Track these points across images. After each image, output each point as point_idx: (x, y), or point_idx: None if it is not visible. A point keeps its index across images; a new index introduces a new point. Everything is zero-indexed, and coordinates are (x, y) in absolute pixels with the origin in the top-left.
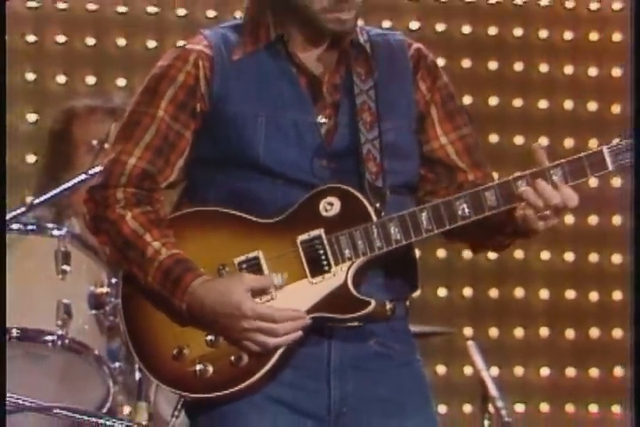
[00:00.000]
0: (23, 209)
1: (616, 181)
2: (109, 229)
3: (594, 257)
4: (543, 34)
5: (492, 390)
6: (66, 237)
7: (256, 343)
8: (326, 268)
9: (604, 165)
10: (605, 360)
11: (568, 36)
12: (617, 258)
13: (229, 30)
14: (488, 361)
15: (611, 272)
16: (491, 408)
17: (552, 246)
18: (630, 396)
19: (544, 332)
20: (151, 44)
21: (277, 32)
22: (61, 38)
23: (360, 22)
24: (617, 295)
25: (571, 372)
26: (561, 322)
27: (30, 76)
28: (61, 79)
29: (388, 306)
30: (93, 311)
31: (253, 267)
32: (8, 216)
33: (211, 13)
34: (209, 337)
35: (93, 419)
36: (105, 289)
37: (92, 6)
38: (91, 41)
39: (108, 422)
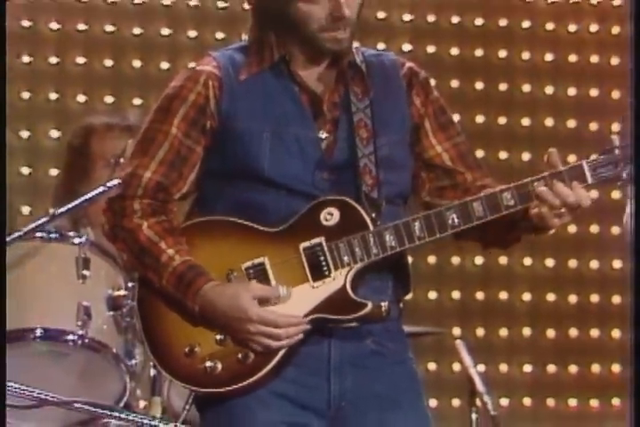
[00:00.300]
0: (47, 219)
1: (593, 193)
2: (127, 237)
3: (573, 263)
4: (525, 55)
5: (479, 385)
6: (85, 245)
7: (260, 345)
8: (326, 273)
9: (583, 178)
10: (583, 358)
11: (549, 57)
12: (594, 264)
13: (236, 52)
14: (475, 359)
15: (589, 277)
16: (478, 402)
17: (534, 253)
18: (630, 397)
19: (526, 332)
20: (164, 65)
21: (280, 53)
22: (81, 60)
23: (356, 44)
24: (594, 298)
25: (551, 368)
26: (542, 323)
27: (53, 96)
28: (81, 98)
29: (384, 308)
30: (111, 313)
31: (259, 272)
32: (33, 225)
33: (219, 35)
34: (218, 336)
35: (111, 413)
36: (122, 292)
37: (109, 28)
38: (108, 62)
39: (124, 416)
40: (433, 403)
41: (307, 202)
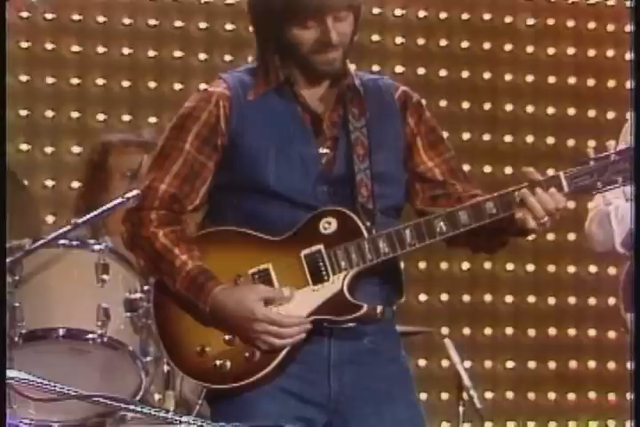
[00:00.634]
0: (69, 228)
1: (571, 204)
2: (144, 245)
3: (551, 268)
4: (508, 77)
5: (466, 380)
6: (104, 251)
7: (265, 344)
8: (325, 277)
9: (560, 187)
10: (561, 355)
11: (529, 79)
12: (571, 269)
13: (244, 74)
14: (462, 356)
15: (566, 281)
16: (465, 396)
17: (515, 259)
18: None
19: (509, 331)
20: (177, 86)
21: (284, 75)
22: (101, 81)
23: (353, 66)
24: (571, 300)
25: (532, 365)
26: (523, 323)
27: (74, 115)
28: (101, 117)
29: (379, 310)
30: (128, 314)
31: (264, 277)
32: (56, 234)
33: (227, 57)
34: (227, 337)
35: (127, 406)
36: (138, 295)
37: (126, 51)
38: (126, 83)
39: (140, 409)
40: (423, 396)
41: (307, 212)
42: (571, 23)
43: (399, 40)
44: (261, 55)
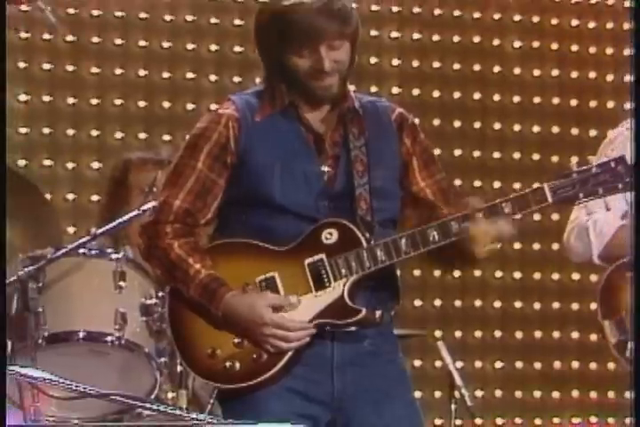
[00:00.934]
0: (88, 238)
1: (555, 216)
2: (161, 255)
3: (537, 275)
4: (497, 97)
5: (457, 379)
6: (122, 260)
7: (272, 346)
8: (327, 284)
9: (545, 198)
10: (546, 356)
11: (516, 99)
12: (555, 276)
13: (252, 96)
14: (453, 357)
15: (550, 287)
16: (456, 394)
17: (504, 267)
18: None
19: (497, 334)
20: (190, 106)
21: (289, 99)
22: (118, 101)
23: (352, 87)
24: (555, 305)
25: (519, 365)
26: (510, 326)
27: (94, 133)
28: (119, 135)
29: (377, 314)
30: (144, 318)
31: (270, 284)
32: (76, 243)
33: (236, 79)
34: (236, 340)
35: (143, 404)
36: (153, 301)
37: (142, 73)
38: (142, 103)
39: (155, 407)
40: (418, 395)
41: (310, 224)
42: (555, 46)
43: (395, 62)
44: (267, 80)
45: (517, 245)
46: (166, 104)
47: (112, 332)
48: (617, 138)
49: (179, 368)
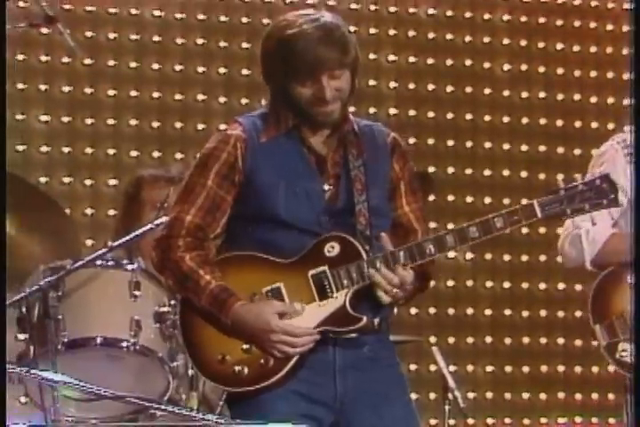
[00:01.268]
0: (105, 250)
1: (542, 229)
2: (173, 267)
3: (525, 285)
4: (487, 118)
5: (451, 382)
6: (136, 271)
7: (279, 351)
8: (330, 293)
9: (534, 214)
10: (534, 360)
11: (505, 119)
12: (542, 286)
13: (257, 118)
14: (447, 361)
15: (538, 296)
16: (450, 396)
17: (494, 277)
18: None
19: (488, 340)
20: (200, 126)
21: (292, 122)
22: (133, 121)
23: (352, 109)
24: (543, 313)
25: (508, 369)
26: (500, 332)
27: (110, 151)
28: (134, 153)
29: (376, 322)
30: (157, 325)
31: (276, 294)
32: (94, 255)
33: (244, 101)
34: (244, 346)
35: (157, 405)
36: (166, 309)
37: (156, 95)
38: (155, 124)
39: (167, 408)
40: (414, 396)
41: (313, 238)
42: (542, 69)
43: (392, 84)
44: (272, 104)
45: (507, 257)
46: (178, 124)
47: (127, 338)
48: (607, 151)
49: (190, 372)
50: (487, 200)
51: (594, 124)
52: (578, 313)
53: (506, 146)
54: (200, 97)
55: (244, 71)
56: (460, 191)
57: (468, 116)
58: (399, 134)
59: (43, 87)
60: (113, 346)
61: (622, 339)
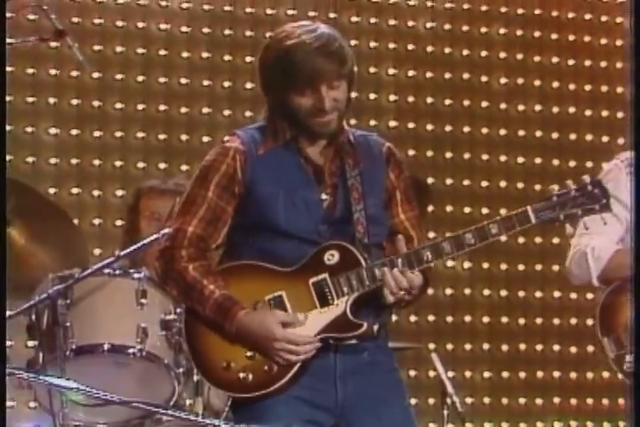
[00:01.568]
0: (112, 259)
1: (538, 239)
2: (177, 278)
3: (521, 293)
4: (484, 130)
5: (449, 388)
6: (143, 279)
7: (282, 359)
8: (331, 301)
9: (528, 220)
10: (530, 366)
11: (502, 132)
12: (538, 294)
13: (255, 131)
14: (446, 367)
15: (534, 304)
16: (448, 401)
17: (491, 286)
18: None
19: (485, 346)
20: (205, 138)
21: (291, 134)
22: (140, 134)
23: (353, 121)
24: (538, 320)
25: (505, 374)
26: (497, 339)
27: (118, 163)
28: (141, 165)
29: (375, 328)
30: (163, 332)
31: (278, 302)
32: (101, 264)
33: (248, 113)
34: (249, 353)
35: (163, 410)
36: (172, 316)
37: (162, 108)
38: (162, 136)
39: (173, 413)
40: (413, 401)
41: (313, 247)
42: (537, 83)
43: (392, 98)
44: (270, 116)
45: (504, 266)
46: (184, 137)
47: (134, 345)
48: (612, 170)
49: (195, 378)
50: (484, 211)
51: (588, 137)
52: (573, 320)
53: (502, 158)
54: (205, 110)
55: (248, 85)
56: (458, 202)
57: (466, 129)
58: (398, 147)
59: (52, 100)
60: (120, 353)
61: (629, 351)
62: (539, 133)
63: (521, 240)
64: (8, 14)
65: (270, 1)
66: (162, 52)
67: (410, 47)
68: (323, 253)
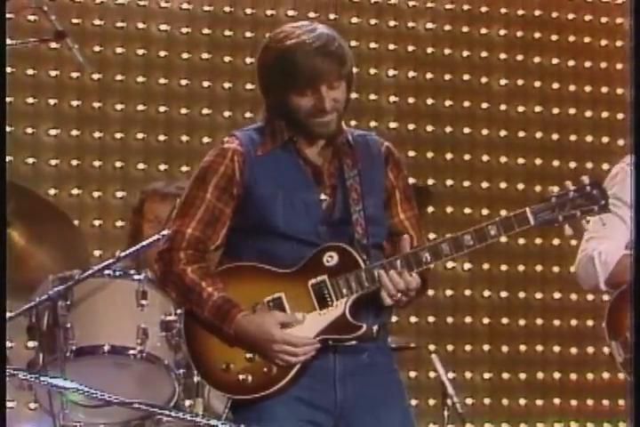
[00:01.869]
0: (112, 260)
1: (538, 240)
2: (176, 280)
3: (522, 294)
4: (485, 132)
5: (450, 389)
6: (143, 281)
7: (282, 361)
8: (330, 302)
9: (527, 221)
10: (530, 367)
11: (502, 133)
12: (539, 295)
13: (254, 132)
14: (446, 368)
15: (534, 305)
16: (449, 402)
17: (491, 287)
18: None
19: (486, 347)
20: (206, 139)
21: (289, 135)
22: (140, 135)
23: (353, 122)
24: (539, 321)
25: (505, 376)
26: (498, 340)
27: (118, 164)
28: (141, 166)
29: (374, 329)
30: (164, 333)
31: (278, 304)
32: (102, 265)
33: (248, 115)
34: (248, 355)
35: (163, 411)
36: (172, 317)
37: (162, 109)
38: (162, 137)
39: (173, 414)
40: (414, 402)
41: (312, 249)
42: (537, 84)
43: (392, 99)
44: (268, 116)
45: (504, 267)
46: (184, 138)
47: (134, 346)
48: (618, 174)
49: (195, 379)
50: (485, 212)
51: (588, 138)
52: (573, 322)
53: (503, 159)
54: (205, 111)
55: (249, 86)
56: (459, 203)
57: (466, 130)
58: (398, 148)
59: (52, 101)
60: (120, 354)
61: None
62: (539, 135)
63: (521, 241)
64: (8, 15)
65: (270, 2)
66: (162, 53)
67: (410, 48)
68: (322, 254)
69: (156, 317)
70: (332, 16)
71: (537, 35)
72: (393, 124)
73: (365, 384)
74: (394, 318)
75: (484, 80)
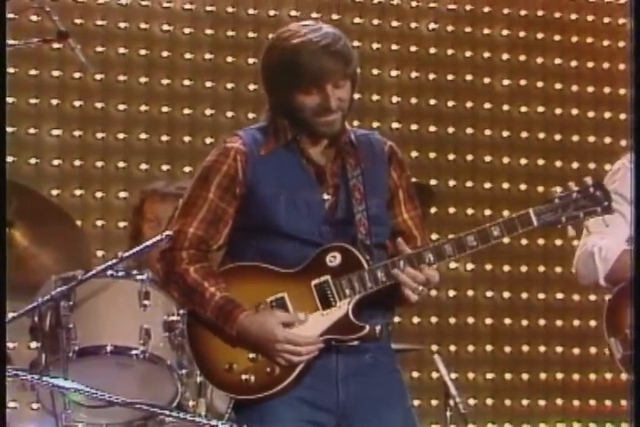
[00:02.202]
0: (115, 261)
1: (541, 241)
2: (178, 280)
3: (524, 295)
4: (487, 132)
5: (452, 389)
6: (146, 281)
7: (285, 360)
8: (333, 303)
9: (530, 222)
10: (533, 368)
11: (505, 133)
12: (541, 295)
13: (257, 131)
14: (448, 369)
15: (536, 306)
16: (451, 403)
17: (494, 287)
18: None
19: (488, 348)
20: (208, 140)
21: (292, 134)
22: (143, 135)
23: (355, 123)
24: (541, 322)
25: (508, 376)
26: (500, 341)
27: (121, 164)
28: (144, 166)
29: (377, 330)
30: (166, 333)
31: (280, 304)
32: (104, 266)
33: (251, 115)
34: (251, 355)
35: (166, 411)
36: (175, 318)
37: (165, 109)
38: (164, 138)
39: (176, 414)
40: (416, 403)
41: (315, 249)
42: (540, 84)
43: (395, 99)
44: (271, 116)
45: (506, 268)
46: (187, 138)
47: (137, 346)
48: (620, 169)
49: (198, 379)
50: (487, 212)
51: (591, 139)
52: (575, 322)
53: (505, 159)
54: (208, 112)
55: (251, 86)
56: (461, 204)
57: (469, 131)
58: (401, 148)
59: (54, 102)
60: (123, 354)
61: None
62: (541, 135)
63: (524, 242)
64: (11, 16)
65: (273, 2)
66: (164, 54)
67: (412, 49)
68: (325, 254)
69: (158, 317)
70: (334, 16)
71: (539, 35)
72: (395, 125)
73: (368, 384)
74: (396, 319)
75: (486, 80)
